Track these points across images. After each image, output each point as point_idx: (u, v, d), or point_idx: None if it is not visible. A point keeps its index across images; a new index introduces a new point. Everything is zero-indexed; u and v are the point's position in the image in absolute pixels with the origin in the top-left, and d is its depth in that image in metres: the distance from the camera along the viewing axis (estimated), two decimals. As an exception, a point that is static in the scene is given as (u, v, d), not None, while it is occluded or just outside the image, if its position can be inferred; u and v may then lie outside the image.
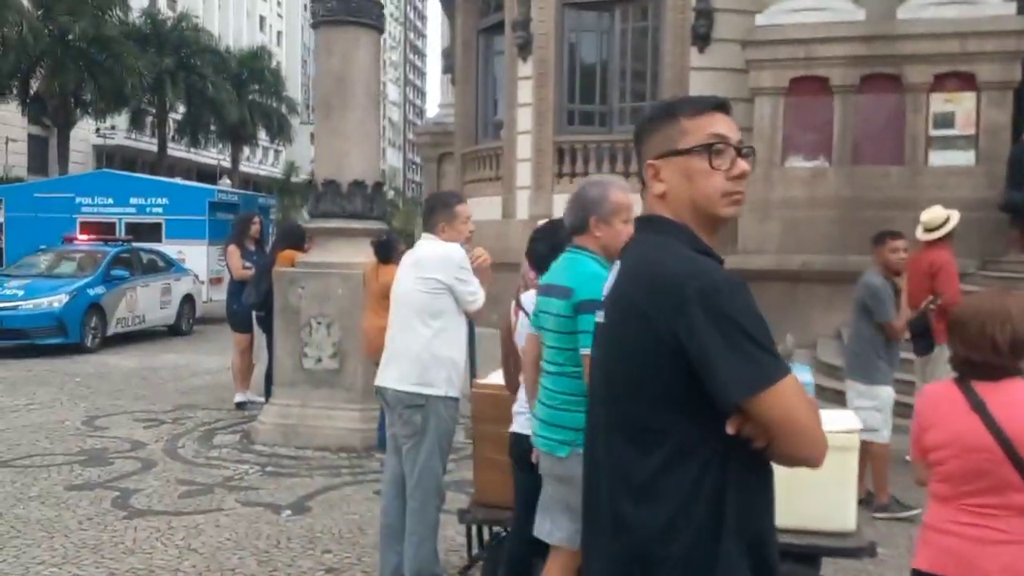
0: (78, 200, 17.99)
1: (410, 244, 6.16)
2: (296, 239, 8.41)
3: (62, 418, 8.37)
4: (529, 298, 3.53)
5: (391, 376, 4.17)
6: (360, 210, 7.38)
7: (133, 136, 45.29)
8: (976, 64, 11.67)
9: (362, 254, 7.33)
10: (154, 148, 43.37)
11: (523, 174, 15.81)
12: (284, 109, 48.60)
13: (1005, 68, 11.63)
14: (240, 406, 8.90)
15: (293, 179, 54.11)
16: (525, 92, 15.78)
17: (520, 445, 3.52)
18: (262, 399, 8.57)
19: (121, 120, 41.53)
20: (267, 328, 8.10)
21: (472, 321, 4.38)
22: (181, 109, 42.67)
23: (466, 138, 17.89)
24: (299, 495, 6.02)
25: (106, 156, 43.78)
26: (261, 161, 63.03)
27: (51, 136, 39.41)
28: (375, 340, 6.90)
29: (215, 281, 17.57)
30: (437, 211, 4.25)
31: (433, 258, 4.12)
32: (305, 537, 5.22)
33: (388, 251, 6.83)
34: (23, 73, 33.71)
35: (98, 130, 42.40)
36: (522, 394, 3.56)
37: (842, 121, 12.33)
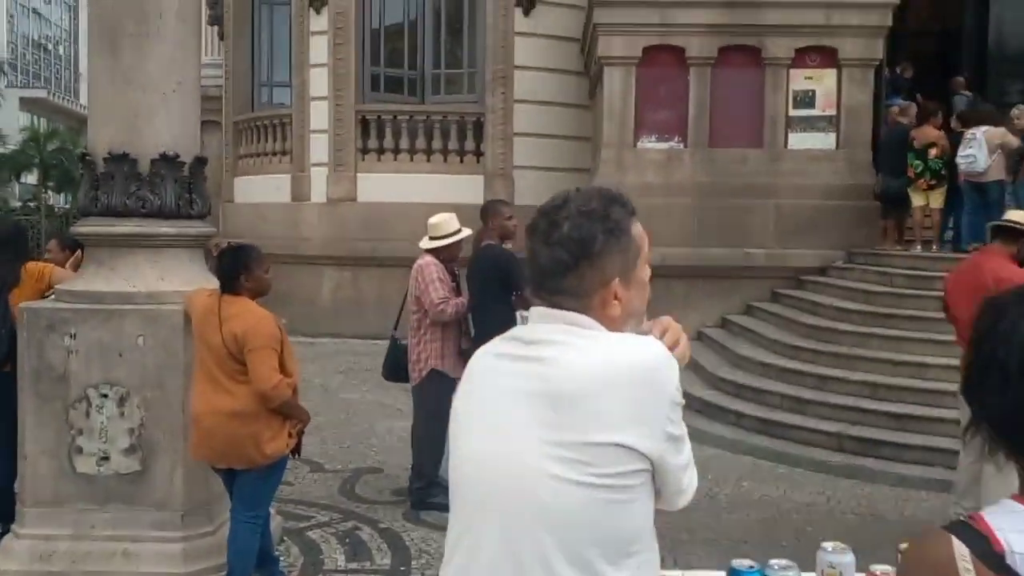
0: None
1: None
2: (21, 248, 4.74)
3: None
4: None
5: None
6: (172, 204, 4.16)
7: None
8: (839, 38, 10.19)
9: (178, 279, 4.17)
10: None
11: (319, 148, 12.56)
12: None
13: (867, 44, 10.25)
14: None
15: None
16: (319, 50, 12.50)
17: None
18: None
19: None
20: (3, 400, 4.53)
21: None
22: None
23: (240, 103, 14.22)
24: None
25: None
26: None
27: None
28: (211, 430, 3.83)
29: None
30: (612, 237, 1.46)
31: (610, 383, 1.29)
32: None
33: (238, 271, 3.74)
34: None
35: None
36: None
37: (698, 98, 10.39)
